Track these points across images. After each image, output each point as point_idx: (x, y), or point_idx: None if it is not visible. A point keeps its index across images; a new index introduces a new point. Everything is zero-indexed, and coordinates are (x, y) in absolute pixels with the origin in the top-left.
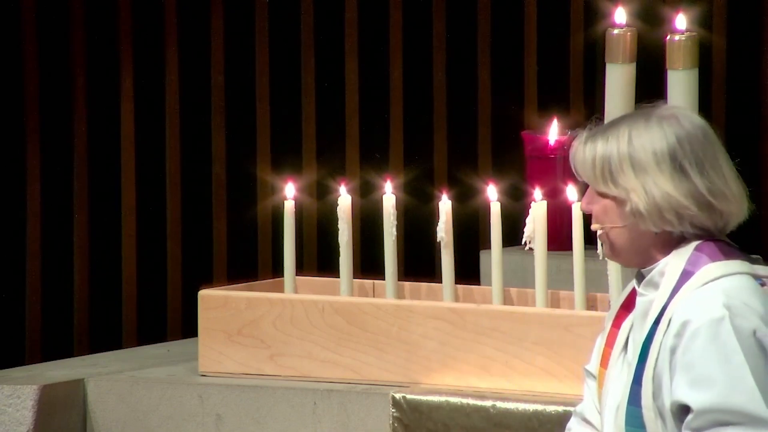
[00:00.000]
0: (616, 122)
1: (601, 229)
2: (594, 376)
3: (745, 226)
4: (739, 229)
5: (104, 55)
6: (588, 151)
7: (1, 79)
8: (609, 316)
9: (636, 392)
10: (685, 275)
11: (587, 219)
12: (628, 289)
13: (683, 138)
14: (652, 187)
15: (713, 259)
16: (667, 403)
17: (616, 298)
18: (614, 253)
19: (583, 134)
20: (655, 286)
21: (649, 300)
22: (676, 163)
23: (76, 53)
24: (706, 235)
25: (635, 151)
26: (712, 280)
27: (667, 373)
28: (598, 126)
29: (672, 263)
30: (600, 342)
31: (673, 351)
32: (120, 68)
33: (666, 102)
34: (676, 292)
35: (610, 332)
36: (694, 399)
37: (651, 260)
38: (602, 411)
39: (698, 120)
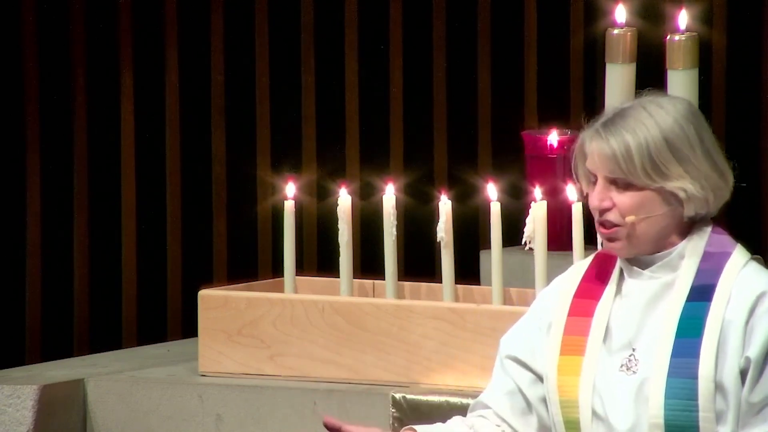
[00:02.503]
0: (626, 112)
1: (637, 221)
2: (530, 366)
3: (745, 226)
4: (740, 229)
5: (104, 55)
6: (616, 145)
7: (1, 79)
8: (560, 306)
9: (687, 365)
10: (721, 256)
11: (587, 219)
12: (575, 278)
13: (699, 116)
14: (695, 171)
15: (733, 241)
16: (731, 371)
17: (557, 288)
18: (632, 244)
19: (591, 130)
20: (672, 268)
21: (665, 282)
22: (704, 144)
23: (76, 53)
24: (707, 216)
25: (669, 137)
26: (750, 260)
27: (733, 343)
28: (599, 120)
29: (691, 246)
30: (555, 331)
31: (746, 322)
32: (120, 68)
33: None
34: (718, 271)
35: (574, 321)
36: None
37: (666, 246)
38: (588, 395)
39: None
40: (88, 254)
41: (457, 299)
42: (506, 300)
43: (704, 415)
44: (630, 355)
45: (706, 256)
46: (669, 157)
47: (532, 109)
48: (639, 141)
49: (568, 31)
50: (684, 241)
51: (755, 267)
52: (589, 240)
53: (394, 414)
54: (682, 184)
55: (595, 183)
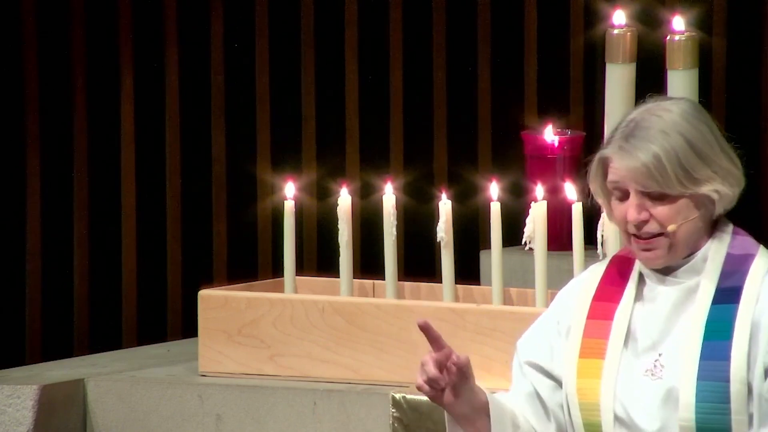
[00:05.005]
0: (643, 123)
1: (678, 228)
2: (550, 372)
3: (745, 225)
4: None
5: (104, 55)
6: (645, 158)
7: (1, 79)
8: (579, 309)
9: (717, 368)
10: (745, 258)
11: (588, 219)
12: (593, 281)
13: (705, 112)
14: (720, 170)
15: (756, 242)
16: (759, 373)
17: (575, 291)
18: (672, 252)
19: (613, 147)
20: (696, 272)
21: (689, 286)
22: (718, 139)
23: (76, 53)
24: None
25: (691, 141)
26: None
27: (762, 345)
28: (615, 134)
29: (714, 248)
30: (574, 334)
31: None
32: (120, 68)
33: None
34: (743, 273)
35: (593, 324)
36: None
37: (695, 249)
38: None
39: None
40: (88, 254)
41: (457, 299)
42: (506, 300)
43: (737, 418)
44: (656, 361)
45: (729, 259)
46: (696, 162)
47: (532, 109)
48: (667, 150)
49: (568, 32)
50: (707, 243)
51: None
52: (589, 240)
53: (394, 414)
54: (713, 186)
55: (621, 199)
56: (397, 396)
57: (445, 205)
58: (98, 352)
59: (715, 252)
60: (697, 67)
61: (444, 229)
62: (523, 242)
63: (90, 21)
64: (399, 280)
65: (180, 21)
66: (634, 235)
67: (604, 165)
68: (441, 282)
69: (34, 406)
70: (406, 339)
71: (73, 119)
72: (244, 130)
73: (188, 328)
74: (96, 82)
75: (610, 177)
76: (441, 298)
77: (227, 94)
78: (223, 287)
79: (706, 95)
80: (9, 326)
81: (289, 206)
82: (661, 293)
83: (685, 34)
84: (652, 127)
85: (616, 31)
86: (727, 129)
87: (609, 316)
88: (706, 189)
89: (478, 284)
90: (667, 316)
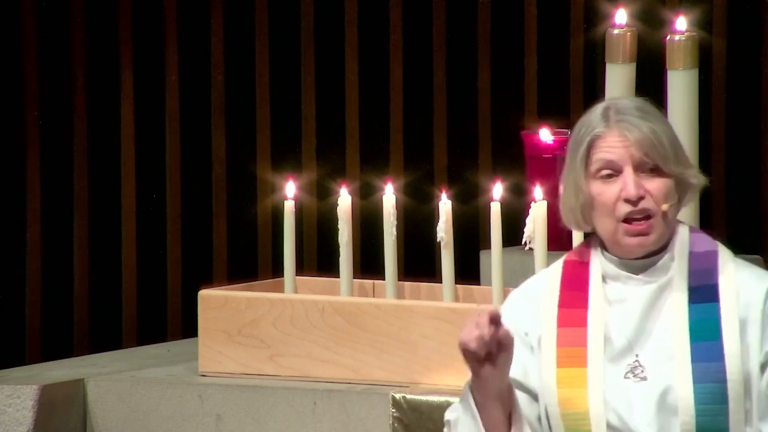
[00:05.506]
0: (628, 106)
1: (668, 208)
2: (525, 385)
3: (745, 226)
4: (740, 229)
5: (104, 55)
6: (647, 129)
7: (1, 79)
8: (546, 318)
9: (712, 369)
10: (709, 255)
11: None
12: (551, 288)
13: None
14: (690, 162)
15: (711, 238)
16: (754, 369)
17: (530, 302)
18: (660, 235)
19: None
20: (665, 270)
21: (659, 285)
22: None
23: (76, 53)
24: None
25: (671, 127)
26: (735, 256)
27: (752, 341)
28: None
29: (678, 245)
30: (547, 344)
31: (762, 317)
32: (120, 68)
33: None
34: (713, 270)
35: (566, 332)
36: None
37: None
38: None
39: None
40: (88, 254)
41: (457, 299)
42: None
43: (735, 417)
44: (634, 362)
45: (694, 256)
46: (679, 145)
47: (532, 109)
48: (661, 127)
49: (568, 32)
50: (672, 241)
51: (743, 263)
52: None
53: (394, 414)
54: (694, 173)
55: (608, 180)
56: (397, 396)
57: (445, 205)
58: (98, 352)
59: (680, 249)
60: (697, 67)
61: (444, 229)
62: (523, 242)
63: (90, 21)
64: (399, 280)
65: (180, 21)
66: (626, 219)
67: (589, 149)
68: (441, 282)
69: (34, 406)
70: (406, 339)
71: (73, 119)
72: (244, 130)
73: (188, 328)
74: (96, 82)
75: (602, 156)
76: (441, 298)
77: (227, 94)
78: (223, 287)
79: (706, 95)
80: (9, 326)
81: (289, 206)
82: (632, 294)
83: (685, 34)
84: (638, 107)
85: (616, 31)
86: (727, 129)
87: (582, 323)
88: (688, 173)
89: (478, 284)
90: (640, 316)
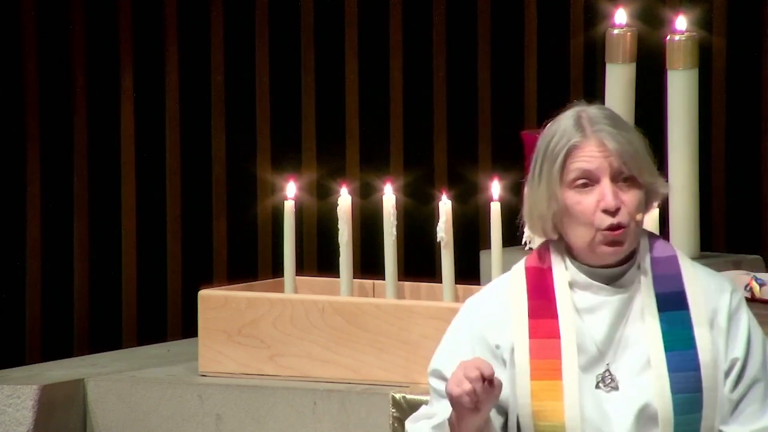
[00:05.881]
0: (600, 115)
1: (640, 219)
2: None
3: (745, 226)
4: (740, 229)
5: (104, 55)
6: (625, 140)
7: (1, 79)
8: (517, 330)
9: (689, 379)
10: (670, 260)
11: None
12: (517, 298)
13: None
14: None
15: (667, 242)
16: (720, 372)
17: (497, 312)
18: (630, 244)
19: (578, 136)
20: (632, 278)
21: (627, 293)
22: None
23: (76, 53)
24: None
25: (641, 137)
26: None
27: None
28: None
29: (641, 252)
30: (520, 356)
31: (728, 323)
32: (120, 68)
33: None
34: (677, 276)
35: (539, 344)
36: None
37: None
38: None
39: None
40: (88, 254)
41: (457, 299)
42: None
43: (706, 424)
44: (605, 371)
45: (655, 262)
46: (650, 155)
47: (532, 109)
48: (636, 137)
49: (568, 31)
50: (637, 247)
51: (700, 266)
52: None
53: (394, 414)
54: (662, 182)
55: (585, 190)
56: (397, 396)
57: (445, 205)
58: (98, 352)
59: (643, 257)
60: (697, 67)
61: (444, 229)
62: (523, 242)
63: (90, 21)
64: (399, 280)
65: (180, 21)
66: (611, 225)
67: (566, 158)
68: (441, 282)
69: (34, 406)
70: (406, 339)
71: (73, 119)
72: (244, 130)
73: (188, 328)
74: (96, 82)
75: (579, 166)
76: (441, 298)
77: (227, 94)
78: (223, 287)
79: (706, 95)
80: (9, 326)
81: (289, 206)
82: (601, 303)
83: (685, 34)
84: (609, 117)
85: (616, 31)
86: (727, 129)
87: (554, 334)
88: (658, 183)
89: (478, 284)
90: (609, 326)
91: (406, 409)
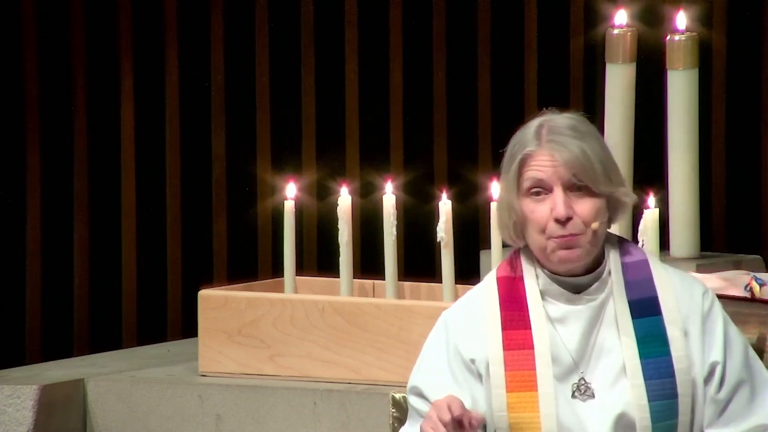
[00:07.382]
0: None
1: (598, 227)
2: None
3: (745, 226)
4: (740, 229)
5: (104, 55)
6: (577, 150)
7: (1, 79)
8: (492, 342)
9: (665, 385)
10: (640, 264)
11: None
12: (491, 310)
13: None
14: (622, 180)
15: (637, 245)
16: (699, 377)
17: (474, 322)
18: (588, 251)
19: (531, 145)
20: (603, 286)
21: (600, 302)
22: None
23: (76, 53)
24: None
25: (603, 146)
26: (659, 261)
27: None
28: (529, 135)
29: (612, 259)
30: (495, 369)
31: (702, 326)
32: (120, 68)
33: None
34: (649, 281)
35: (514, 355)
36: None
37: (598, 259)
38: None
39: None
40: (88, 254)
41: (457, 299)
42: None
43: (681, 429)
44: (579, 380)
45: (626, 268)
46: (610, 165)
47: (532, 110)
48: (591, 147)
49: (568, 32)
50: (607, 254)
51: (671, 269)
52: None
53: (394, 414)
54: (625, 191)
55: (538, 198)
56: (397, 396)
57: (445, 205)
58: (98, 352)
59: (614, 263)
60: (697, 67)
61: (444, 229)
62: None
63: (90, 21)
64: (399, 280)
65: (180, 21)
66: (561, 234)
67: (521, 167)
68: (441, 282)
69: (34, 406)
70: (406, 339)
71: (73, 119)
72: (244, 130)
73: (188, 328)
74: (96, 82)
75: (532, 175)
76: (441, 298)
77: (227, 94)
78: (223, 287)
79: (706, 95)
80: (9, 326)
81: (289, 206)
82: (573, 312)
83: (686, 34)
84: (571, 127)
85: (616, 31)
86: (727, 129)
87: (528, 345)
88: (620, 192)
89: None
90: (582, 334)
91: (406, 409)
